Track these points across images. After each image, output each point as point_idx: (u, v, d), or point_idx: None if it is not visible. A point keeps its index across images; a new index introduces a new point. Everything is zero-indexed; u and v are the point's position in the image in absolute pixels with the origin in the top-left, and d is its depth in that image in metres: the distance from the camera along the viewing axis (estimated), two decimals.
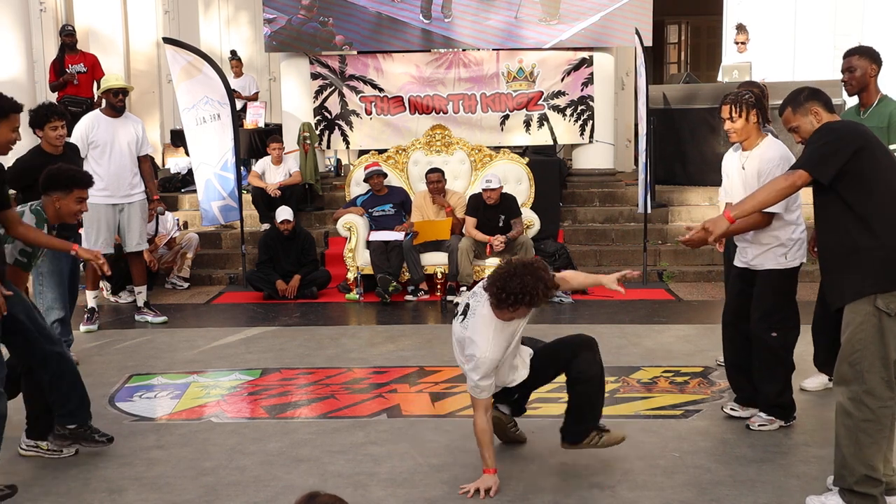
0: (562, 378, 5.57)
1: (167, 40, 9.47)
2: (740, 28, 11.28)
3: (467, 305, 4.01)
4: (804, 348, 5.28)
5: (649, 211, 8.83)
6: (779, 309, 4.57)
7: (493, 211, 8.14)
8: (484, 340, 3.87)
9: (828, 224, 3.71)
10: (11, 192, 4.98)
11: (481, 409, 3.98)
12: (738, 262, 4.74)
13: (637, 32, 9.12)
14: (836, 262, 3.68)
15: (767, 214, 4.38)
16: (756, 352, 4.66)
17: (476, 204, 8.23)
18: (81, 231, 6.70)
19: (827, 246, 3.74)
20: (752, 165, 4.56)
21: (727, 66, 10.89)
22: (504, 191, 8.24)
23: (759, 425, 4.67)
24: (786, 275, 4.55)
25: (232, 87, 9.27)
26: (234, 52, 12.24)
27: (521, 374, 4.22)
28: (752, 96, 4.56)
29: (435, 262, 8.25)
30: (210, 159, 8.97)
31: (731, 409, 4.90)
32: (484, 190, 8.10)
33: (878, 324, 3.54)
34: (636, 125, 12.47)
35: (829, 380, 5.27)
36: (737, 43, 11.26)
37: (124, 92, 7.14)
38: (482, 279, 4.28)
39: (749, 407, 4.83)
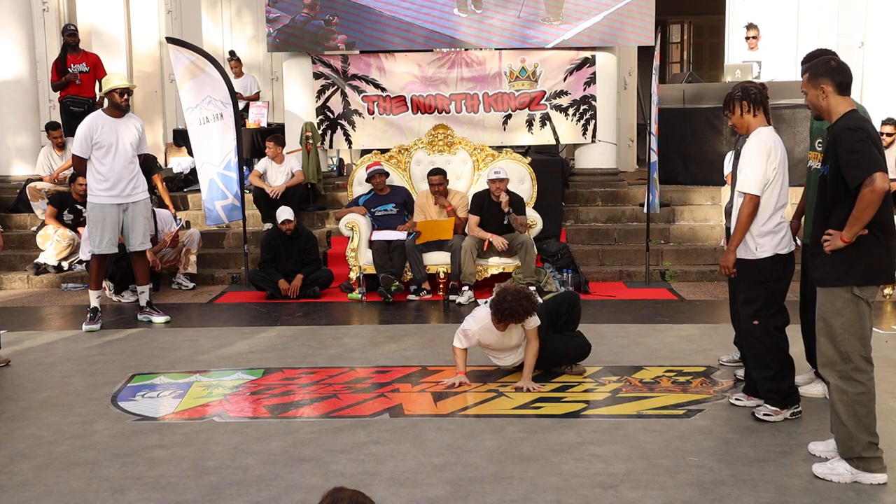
0: (561, 378, 5.60)
1: (170, 40, 9.46)
2: (751, 26, 11.27)
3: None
4: (800, 349, 5.29)
5: (657, 211, 8.82)
6: (755, 298, 4.73)
7: (497, 209, 8.14)
8: (474, 324, 5.48)
9: (841, 215, 3.91)
10: None
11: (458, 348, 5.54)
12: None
13: (658, 31, 9.10)
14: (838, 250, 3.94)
15: (754, 203, 4.59)
16: (744, 340, 4.92)
17: (480, 202, 8.22)
18: (82, 230, 6.69)
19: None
20: (742, 151, 4.79)
21: (730, 66, 10.88)
22: (511, 190, 8.24)
23: (764, 414, 4.77)
24: (757, 265, 4.67)
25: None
26: (232, 53, 12.24)
27: (507, 362, 5.67)
28: (741, 90, 4.74)
29: (437, 261, 8.25)
30: (213, 159, 8.97)
31: (737, 398, 5.09)
32: (492, 180, 8.09)
33: (857, 308, 3.93)
34: (639, 124, 12.43)
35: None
36: (748, 39, 11.24)
37: (129, 92, 7.14)
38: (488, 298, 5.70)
39: (754, 397, 4.99)
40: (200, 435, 4.73)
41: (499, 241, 8.04)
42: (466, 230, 8.28)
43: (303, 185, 9.67)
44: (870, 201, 3.79)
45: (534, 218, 8.50)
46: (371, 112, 10.42)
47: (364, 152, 10.24)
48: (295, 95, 10.60)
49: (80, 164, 7.20)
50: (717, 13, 14.18)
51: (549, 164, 9.83)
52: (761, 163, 4.58)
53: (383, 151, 9.34)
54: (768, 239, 4.66)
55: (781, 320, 4.79)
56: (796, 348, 5.34)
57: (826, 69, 3.99)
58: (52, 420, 4.99)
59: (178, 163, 11.27)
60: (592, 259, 9.21)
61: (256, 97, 11.77)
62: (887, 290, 7.70)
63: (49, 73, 11.27)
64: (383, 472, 4.19)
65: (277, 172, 9.55)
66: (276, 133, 10.23)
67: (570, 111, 10.40)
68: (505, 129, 10.41)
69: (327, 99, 10.45)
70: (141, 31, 13.97)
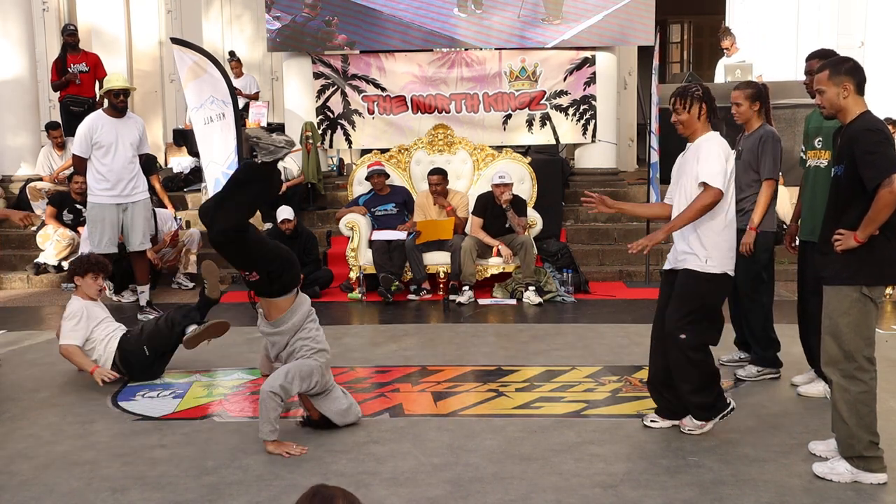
0: (561, 378, 5.59)
1: (174, 40, 9.47)
2: (725, 33, 11.19)
3: None
4: (800, 349, 5.29)
5: None
6: (690, 310, 4.41)
7: (501, 212, 8.14)
8: None
9: (853, 215, 3.91)
10: None
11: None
12: (666, 265, 4.61)
13: (656, 31, 9.10)
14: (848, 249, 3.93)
15: (715, 198, 4.28)
16: (669, 351, 4.51)
17: (484, 204, 8.22)
18: (82, 230, 6.71)
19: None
20: (688, 157, 4.44)
21: (730, 66, 10.87)
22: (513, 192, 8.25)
23: (688, 430, 4.56)
24: (704, 279, 4.37)
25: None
26: (232, 53, 12.25)
27: None
28: (701, 90, 4.42)
29: (437, 261, 8.25)
30: (218, 158, 8.99)
31: (651, 420, 4.72)
32: (496, 185, 8.09)
33: (864, 308, 3.93)
34: (639, 124, 12.41)
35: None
36: (723, 49, 11.21)
37: (126, 93, 7.14)
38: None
39: (668, 419, 4.67)
40: (200, 435, 4.73)
41: (507, 253, 8.07)
42: (468, 231, 8.28)
43: (303, 185, 9.67)
44: (887, 202, 3.79)
45: (534, 218, 8.51)
46: (371, 112, 10.42)
47: (364, 152, 10.25)
48: (295, 95, 10.61)
49: (80, 164, 7.22)
50: (717, 13, 14.18)
51: (549, 164, 9.84)
52: (721, 161, 4.30)
53: (383, 151, 9.34)
54: (720, 252, 4.36)
55: (710, 337, 4.50)
56: (796, 349, 5.36)
57: (848, 67, 4.00)
58: (52, 420, 4.99)
59: (178, 163, 11.27)
60: (592, 259, 9.21)
61: (256, 97, 11.78)
62: (888, 290, 7.70)
63: (49, 73, 11.27)
64: (383, 471, 4.19)
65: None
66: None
67: (570, 111, 10.41)
68: (505, 128, 10.41)
69: (327, 99, 10.45)
70: (141, 31, 13.97)
